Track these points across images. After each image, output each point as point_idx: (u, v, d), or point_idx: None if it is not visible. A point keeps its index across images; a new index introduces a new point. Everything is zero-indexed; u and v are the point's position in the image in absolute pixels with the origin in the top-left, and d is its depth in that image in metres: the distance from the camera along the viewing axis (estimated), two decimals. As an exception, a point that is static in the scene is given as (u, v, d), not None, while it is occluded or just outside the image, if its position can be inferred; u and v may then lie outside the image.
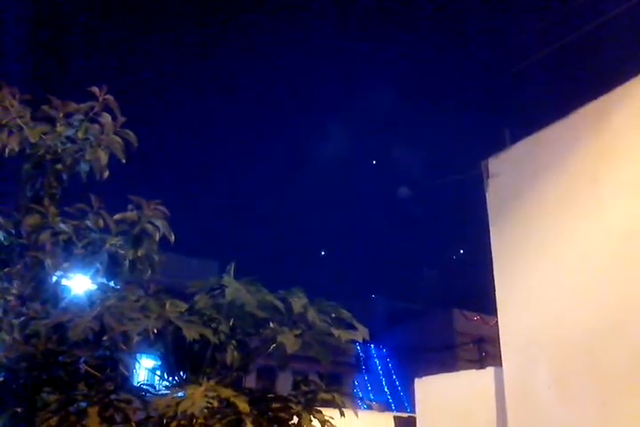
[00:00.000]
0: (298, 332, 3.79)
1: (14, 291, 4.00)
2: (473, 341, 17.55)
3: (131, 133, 4.40)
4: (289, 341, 3.64)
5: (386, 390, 23.89)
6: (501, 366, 7.59)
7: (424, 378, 9.03)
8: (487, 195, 8.48)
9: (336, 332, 3.79)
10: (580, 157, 7.14)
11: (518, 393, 7.24)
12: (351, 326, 4.06)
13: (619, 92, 6.85)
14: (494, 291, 8.06)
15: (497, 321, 7.94)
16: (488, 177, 8.48)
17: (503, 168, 8.32)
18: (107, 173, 4.29)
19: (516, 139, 8.46)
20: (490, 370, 7.91)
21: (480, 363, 16.78)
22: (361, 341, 3.87)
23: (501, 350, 7.71)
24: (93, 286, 4.08)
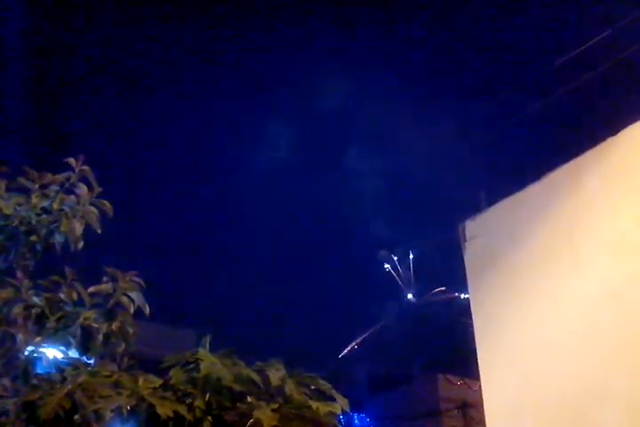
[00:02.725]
0: (275, 406, 3.71)
1: (-17, 368, 3.87)
2: (457, 406, 17.15)
3: (107, 203, 4.39)
4: (266, 416, 3.55)
5: (370, 461, 23.00)
6: (487, 432, 7.43)
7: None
8: (465, 258, 8.52)
9: (314, 404, 3.71)
10: (556, 217, 7.26)
11: (506, 461, 7.07)
12: (331, 397, 3.97)
13: (591, 154, 7.05)
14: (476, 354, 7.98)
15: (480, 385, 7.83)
16: (465, 240, 8.54)
17: (481, 230, 8.39)
18: (81, 244, 4.25)
19: (491, 201, 8.57)
20: (475, 438, 7.75)
21: (465, 430, 16.40)
22: (340, 413, 3.80)
23: (485, 415, 7.56)
24: (66, 360, 3.98)
